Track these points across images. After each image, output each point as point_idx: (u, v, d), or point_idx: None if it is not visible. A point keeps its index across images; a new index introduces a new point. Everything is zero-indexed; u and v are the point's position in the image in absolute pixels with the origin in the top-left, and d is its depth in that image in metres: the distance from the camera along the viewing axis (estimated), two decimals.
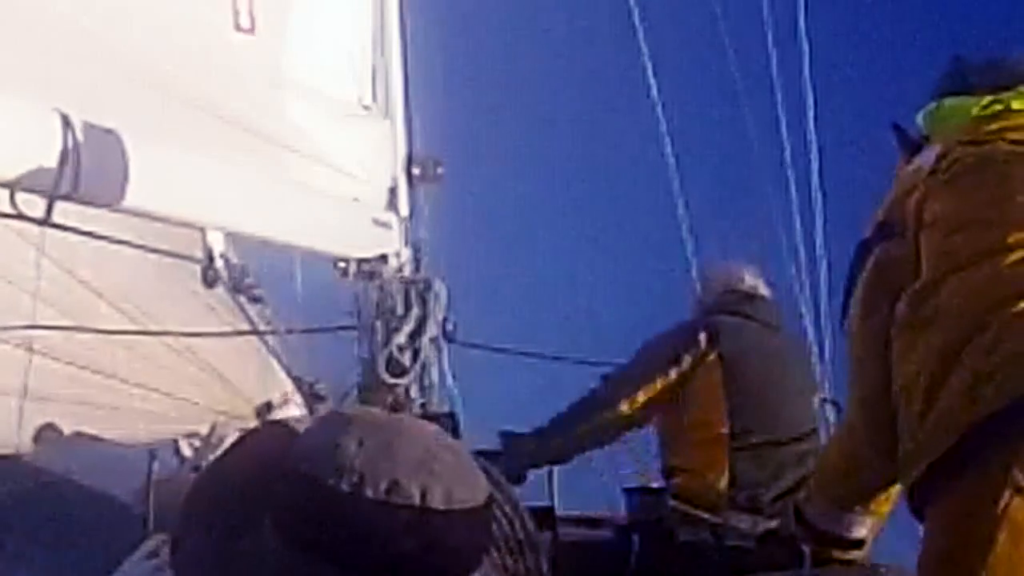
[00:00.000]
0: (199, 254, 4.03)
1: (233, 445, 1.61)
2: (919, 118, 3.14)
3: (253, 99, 4.22)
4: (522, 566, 1.59)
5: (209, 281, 4.00)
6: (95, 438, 5.00)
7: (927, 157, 2.99)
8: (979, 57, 3.20)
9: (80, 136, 3.42)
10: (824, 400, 5.46)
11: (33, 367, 4.84)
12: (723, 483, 4.68)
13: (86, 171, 3.43)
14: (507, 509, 1.59)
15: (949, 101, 3.08)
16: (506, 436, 4.62)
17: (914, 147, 3.13)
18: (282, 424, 1.58)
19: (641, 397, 4.73)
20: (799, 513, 3.34)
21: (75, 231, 3.79)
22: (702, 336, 4.78)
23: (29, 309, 4.73)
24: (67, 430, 5.02)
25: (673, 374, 4.73)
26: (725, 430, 4.71)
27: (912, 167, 3.02)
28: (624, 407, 4.72)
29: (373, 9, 4.70)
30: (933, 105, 3.11)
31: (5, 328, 4.63)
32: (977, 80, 3.10)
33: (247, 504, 1.49)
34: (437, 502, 1.44)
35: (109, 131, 3.56)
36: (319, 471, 1.44)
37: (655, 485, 4.90)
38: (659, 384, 4.74)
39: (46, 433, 5.00)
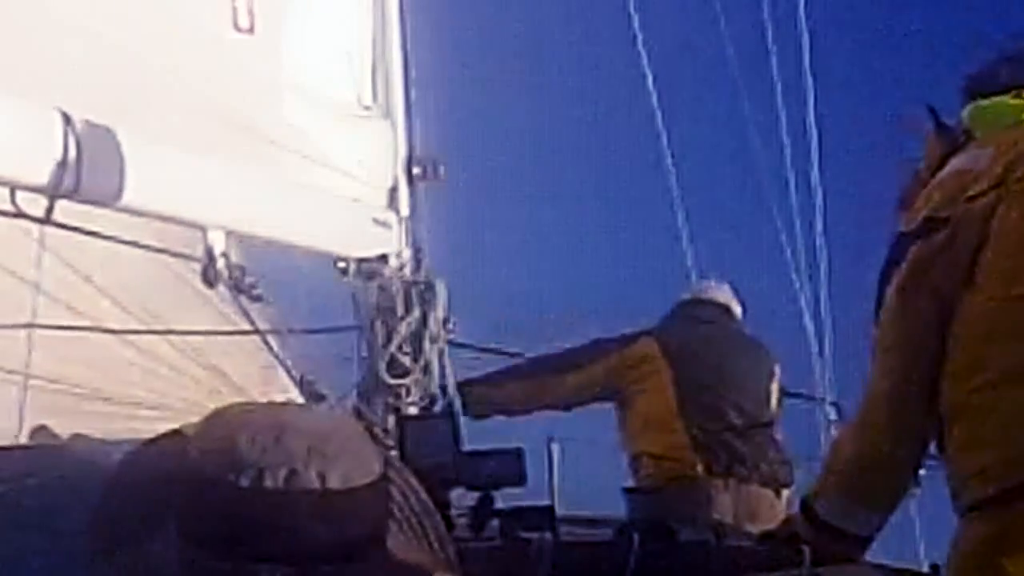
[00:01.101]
0: (200, 253, 4.03)
1: (129, 458, 1.64)
2: (964, 113, 3.12)
3: (252, 98, 4.22)
4: (424, 533, 1.61)
5: (210, 280, 4.00)
6: (95, 436, 4.99)
7: (980, 159, 2.97)
8: (1012, 49, 3.19)
9: (81, 135, 3.42)
10: (823, 400, 5.53)
11: (33, 363, 4.84)
12: (693, 457, 4.83)
13: (87, 170, 3.44)
14: (399, 480, 1.61)
15: (997, 102, 3.07)
16: (462, 385, 4.86)
17: (951, 136, 3.12)
18: (175, 432, 1.60)
19: (570, 381, 5.06)
20: (807, 508, 3.32)
21: (75, 230, 3.79)
22: (647, 339, 4.99)
23: (30, 305, 4.73)
24: (67, 427, 5.01)
25: (601, 365, 4.97)
26: (681, 420, 4.89)
27: (962, 165, 3.00)
28: (551, 385, 5.08)
29: (373, 9, 4.70)
30: (982, 103, 3.10)
31: (5, 326, 4.63)
32: (1008, 77, 3.09)
33: (151, 512, 1.51)
34: (336, 483, 1.46)
35: (110, 130, 3.56)
36: (218, 471, 1.46)
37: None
38: (589, 371, 4.95)
39: (45, 431, 5.00)
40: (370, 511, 1.51)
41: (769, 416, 5.10)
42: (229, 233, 4.05)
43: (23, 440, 4.88)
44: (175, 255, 4.32)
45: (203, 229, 3.98)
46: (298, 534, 1.46)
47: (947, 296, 2.89)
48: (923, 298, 2.91)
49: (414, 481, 1.64)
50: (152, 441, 1.64)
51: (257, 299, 4.17)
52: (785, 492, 4.90)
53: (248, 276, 4.07)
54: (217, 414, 1.56)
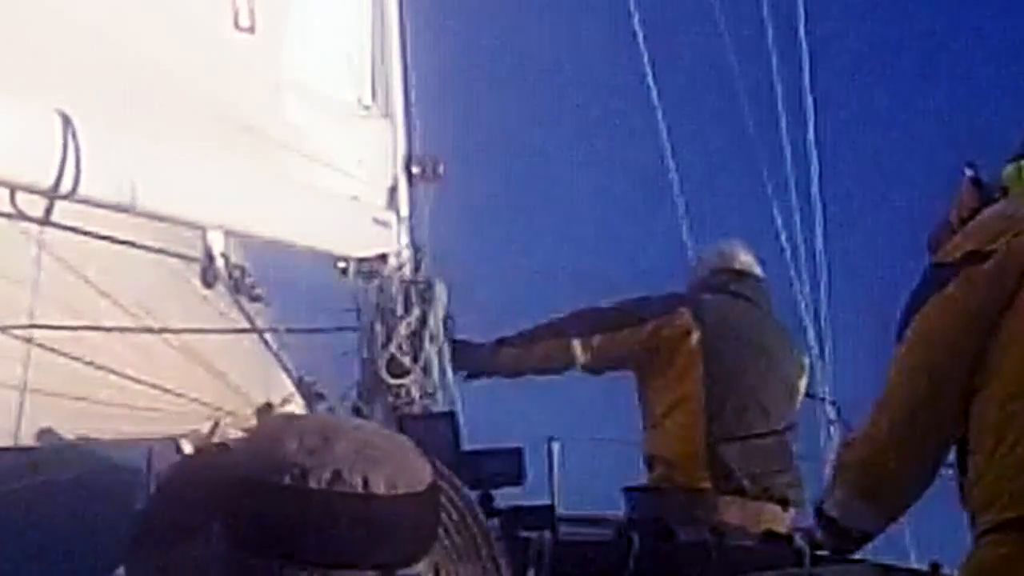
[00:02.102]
0: (200, 254, 4.03)
1: (175, 464, 1.64)
2: (1006, 172, 3.22)
3: (253, 98, 4.22)
4: (473, 551, 1.60)
5: (208, 280, 3.99)
6: (95, 437, 5.00)
7: (1021, 208, 3.11)
8: None
9: (80, 136, 3.43)
10: (823, 400, 5.45)
11: (33, 365, 4.84)
12: (704, 472, 4.72)
13: (86, 171, 3.44)
14: (452, 495, 1.60)
15: None
16: (457, 342, 4.70)
17: (986, 191, 3.22)
18: (221, 443, 1.61)
19: (597, 342, 4.77)
20: (819, 509, 3.36)
21: (75, 231, 3.79)
22: (683, 310, 4.79)
23: (29, 306, 4.73)
24: (67, 429, 5.02)
25: (629, 332, 4.78)
26: (703, 412, 4.73)
27: (1003, 211, 3.13)
28: (577, 346, 4.80)
29: (373, 8, 4.70)
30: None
31: (5, 328, 4.63)
32: None
33: (193, 515, 1.51)
34: (380, 489, 1.47)
35: (109, 130, 3.57)
36: (261, 471, 1.46)
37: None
38: (617, 336, 4.79)
39: (46, 432, 5.00)
40: (413, 520, 1.50)
41: (790, 418, 4.91)
42: (228, 233, 4.05)
43: (25, 439, 4.90)
44: (174, 256, 4.31)
45: (202, 229, 3.98)
46: (336, 536, 1.45)
47: (986, 322, 2.99)
48: (961, 324, 3.01)
49: (467, 494, 1.62)
50: (199, 450, 1.65)
51: (257, 299, 4.16)
52: (792, 510, 4.78)
53: (248, 276, 4.06)
54: (265, 422, 1.56)
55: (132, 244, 4.16)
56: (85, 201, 3.56)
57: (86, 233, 3.88)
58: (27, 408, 4.89)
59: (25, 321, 4.69)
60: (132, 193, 3.60)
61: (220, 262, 3.95)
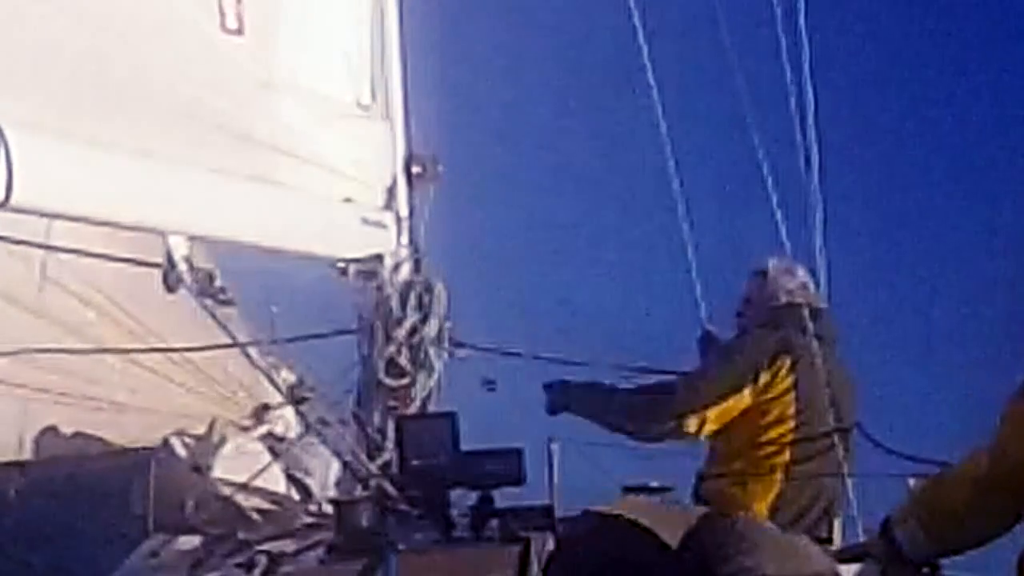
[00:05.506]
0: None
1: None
2: None
3: (242, 101, 4.18)
4: None
5: (170, 286, 3.92)
6: (95, 441, 5.00)
7: None
8: None
9: (12, 145, 3.39)
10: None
11: (34, 371, 4.86)
12: (762, 506, 4.67)
13: (20, 179, 3.40)
14: None
15: None
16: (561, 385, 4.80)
17: None
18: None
19: (711, 415, 4.76)
20: (887, 527, 3.34)
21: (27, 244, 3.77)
22: (785, 359, 4.76)
23: (31, 306, 4.74)
24: (67, 433, 5.03)
25: (747, 393, 4.73)
26: (787, 456, 4.71)
27: None
28: (692, 424, 4.76)
29: (372, 10, 4.69)
30: None
31: (7, 352, 4.64)
32: None
33: None
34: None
35: (59, 138, 3.54)
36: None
37: (655, 484, 4.88)
38: (731, 402, 4.74)
39: (47, 436, 5.01)
40: None
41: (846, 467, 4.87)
42: (197, 239, 4.00)
43: (26, 443, 4.91)
44: (134, 263, 4.24)
45: (163, 234, 3.91)
46: None
47: None
48: None
49: None
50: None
51: (228, 303, 4.09)
52: None
53: (214, 280, 3.99)
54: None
55: (86, 253, 4.13)
56: (18, 210, 3.52)
57: (17, 242, 3.85)
58: (28, 412, 4.91)
59: (27, 330, 4.71)
60: (82, 202, 3.57)
61: (183, 267, 3.88)
